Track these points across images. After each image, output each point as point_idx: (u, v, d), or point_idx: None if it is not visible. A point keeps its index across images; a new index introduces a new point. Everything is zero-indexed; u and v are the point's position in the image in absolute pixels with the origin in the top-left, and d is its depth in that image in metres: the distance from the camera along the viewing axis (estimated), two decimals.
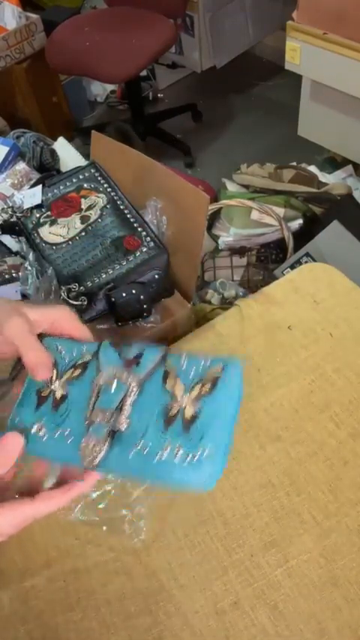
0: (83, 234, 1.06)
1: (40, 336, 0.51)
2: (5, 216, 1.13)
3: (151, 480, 0.51)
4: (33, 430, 0.48)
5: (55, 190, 1.15)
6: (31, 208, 1.12)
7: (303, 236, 1.40)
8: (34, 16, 2.07)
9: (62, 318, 0.54)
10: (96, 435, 0.45)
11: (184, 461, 0.43)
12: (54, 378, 0.50)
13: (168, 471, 0.43)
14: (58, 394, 0.49)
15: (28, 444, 0.47)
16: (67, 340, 0.53)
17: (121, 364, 0.49)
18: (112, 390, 0.47)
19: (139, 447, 0.44)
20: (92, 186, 1.14)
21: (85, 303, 0.95)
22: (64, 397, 0.49)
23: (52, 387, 0.50)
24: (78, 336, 0.54)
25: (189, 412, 0.45)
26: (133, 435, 0.45)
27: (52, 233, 1.08)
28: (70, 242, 1.06)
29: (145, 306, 0.98)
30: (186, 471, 0.42)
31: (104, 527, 0.81)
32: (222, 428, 0.45)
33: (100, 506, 0.81)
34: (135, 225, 1.05)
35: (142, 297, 0.97)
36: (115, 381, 0.48)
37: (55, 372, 0.51)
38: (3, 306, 0.50)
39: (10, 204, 1.14)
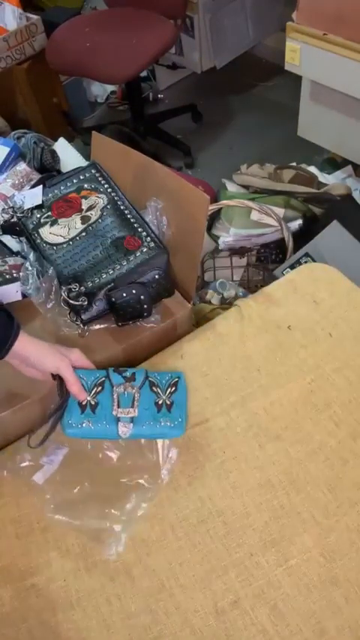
0: (84, 234, 1.06)
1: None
2: (6, 216, 1.13)
3: (155, 437, 0.87)
4: (84, 425, 0.82)
5: (56, 191, 1.15)
6: (32, 209, 1.12)
7: (303, 236, 1.40)
8: (34, 16, 2.07)
9: (79, 357, 0.85)
10: (124, 422, 0.83)
11: (170, 425, 0.85)
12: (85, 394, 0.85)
13: (164, 431, 0.85)
14: (93, 402, 0.84)
15: (79, 433, 0.83)
16: (83, 370, 0.86)
17: (124, 381, 0.87)
18: (125, 396, 0.85)
19: (148, 423, 0.84)
20: (93, 186, 1.14)
21: (86, 303, 0.95)
22: (97, 404, 0.84)
23: (87, 399, 0.84)
24: (88, 367, 0.87)
25: (168, 402, 0.87)
26: (142, 418, 0.84)
27: (52, 233, 1.08)
28: (71, 242, 1.06)
29: (145, 306, 0.98)
30: (172, 429, 0.85)
31: (85, 536, 0.82)
32: (183, 408, 0.88)
33: (81, 506, 0.83)
34: (135, 225, 1.05)
35: (142, 297, 0.97)
36: (125, 391, 0.86)
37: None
38: (47, 347, 0.82)
39: (11, 205, 1.14)
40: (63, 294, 0.96)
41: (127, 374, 0.87)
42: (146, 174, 1.12)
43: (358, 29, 1.39)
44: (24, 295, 1.04)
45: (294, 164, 1.70)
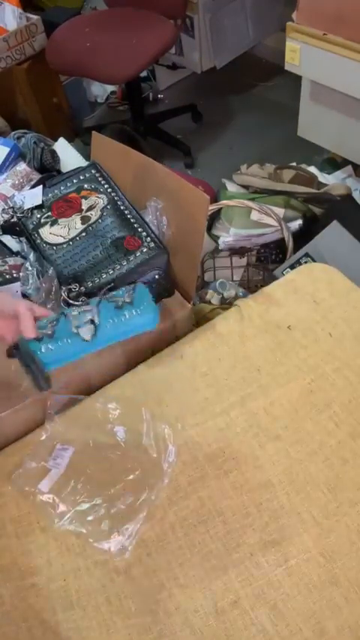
0: (84, 234, 1.06)
1: None
2: (6, 216, 1.13)
3: (127, 334, 0.78)
4: (43, 349, 0.74)
5: (56, 191, 1.15)
6: (32, 209, 1.13)
7: (303, 236, 1.40)
8: (34, 16, 2.07)
9: (39, 307, 0.78)
10: (84, 328, 0.75)
11: (136, 314, 0.76)
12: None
13: (133, 322, 0.76)
14: (50, 332, 0.75)
15: (42, 356, 0.74)
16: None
17: (79, 306, 0.78)
18: (82, 315, 0.76)
19: (111, 321, 0.76)
20: (93, 186, 1.14)
21: None
22: (53, 333, 0.75)
23: (38, 333, 0.75)
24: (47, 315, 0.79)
25: (128, 300, 0.78)
26: (104, 318, 0.76)
27: (52, 233, 1.08)
28: (71, 242, 1.06)
29: None
30: (141, 317, 0.76)
31: (90, 540, 0.82)
32: (146, 296, 0.79)
33: (89, 518, 0.83)
34: (135, 225, 1.05)
35: None
36: (79, 312, 0.77)
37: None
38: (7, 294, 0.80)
39: (11, 205, 1.14)
40: (63, 294, 0.96)
41: (80, 304, 0.81)
42: (146, 174, 1.12)
43: (358, 29, 1.39)
44: (24, 295, 1.04)
45: (294, 164, 1.69)
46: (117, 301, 0.78)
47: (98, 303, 0.78)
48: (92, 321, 0.75)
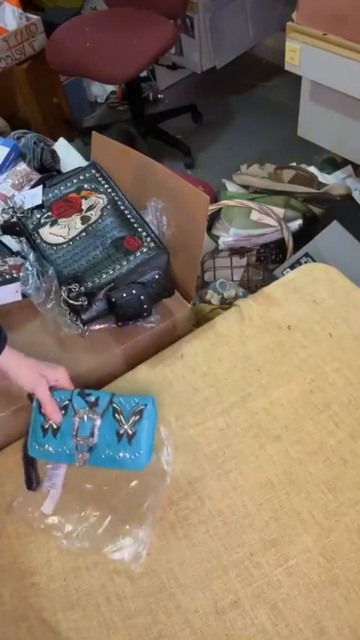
0: (84, 234, 1.06)
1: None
2: (6, 216, 1.13)
3: (114, 467, 0.83)
4: (46, 447, 0.83)
5: (56, 191, 1.15)
6: (32, 209, 1.12)
7: (303, 236, 1.40)
8: (34, 16, 2.07)
9: (62, 377, 0.85)
10: (82, 451, 0.82)
11: (129, 458, 0.81)
12: None
13: (123, 463, 0.81)
14: (55, 426, 0.83)
15: (42, 455, 0.85)
16: (56, 390, 0.85)
17: (86, 407, 0.84)
18: (85, 423, 0.83)
19: (107, 453, 0.82)
20: (93, 186, 1.14)
21: (86, 303, 0.95)
22: (58, 428, 0.83)
23: (50, 422, 0.84)
24: (68, 388, 0.86)
25: (130, 432, 0.82)
26: (101, 447, 0.82)
27: (52, 233, 1.08)
28: (71, 242, 1.06)
29: (145, 306, 0.98)
30: (132, 462, 0.81)
31: (104, 550, 0.82)
32: (147, 439, 0.82)
33: (99, 531, 0.83)
34: (135, 225, 1.05)
35: (142, 297, 0.97)
36: (86, 417, 0.83)
37: None
38: (27, 365, 0.83)
39: (11, 205, 1.14)
40: (63, 294, 0.96)
41: (91, 398, 0.84)
42: (146, 174, 1.12)
43: (358, 29, 1.39)
44: (24, 295, 1.04)
45: (294, 164, 1.70)
46: (120, 424, 0.82)
47: (104, 411, 0.83)
48: (90, 448, 0.82)
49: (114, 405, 0.83)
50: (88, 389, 0.86)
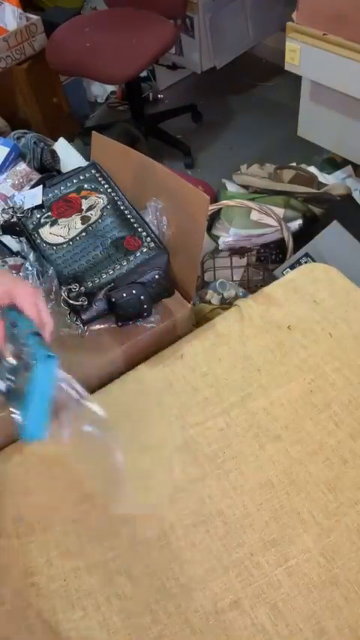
0: (84, 234, 1.06)
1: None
2: (6, 216, 1.13)
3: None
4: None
5: (56, 191, 1.15)
6: (32, 209, 1.13)
7: (303, 236, 1.40)
8: (34, 16, 2.07)
9: (24, 298, 0.68)
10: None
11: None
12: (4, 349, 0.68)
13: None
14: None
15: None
16: (26, 321, 0.68)
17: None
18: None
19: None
20: (93, 186, 1.14)
21: (86, 303, 0.95)
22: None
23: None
24: (37, 321, 0.69)
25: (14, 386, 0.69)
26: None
27: (52, 233, 1.08)
28: (71, 242, 1.06)
29: (145, 306, 0.98)
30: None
31: None
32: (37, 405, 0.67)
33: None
34: (135, 225, 1.06)
35: (142, 297, 0.97)
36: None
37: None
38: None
39: (11, 205, 1.14)
40: (63, 294, 0.96)
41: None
42: (146, 174, 1.12)
43: (358, 29, 1.39)
44: None
45: (294, 164, 1.70)
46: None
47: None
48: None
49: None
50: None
